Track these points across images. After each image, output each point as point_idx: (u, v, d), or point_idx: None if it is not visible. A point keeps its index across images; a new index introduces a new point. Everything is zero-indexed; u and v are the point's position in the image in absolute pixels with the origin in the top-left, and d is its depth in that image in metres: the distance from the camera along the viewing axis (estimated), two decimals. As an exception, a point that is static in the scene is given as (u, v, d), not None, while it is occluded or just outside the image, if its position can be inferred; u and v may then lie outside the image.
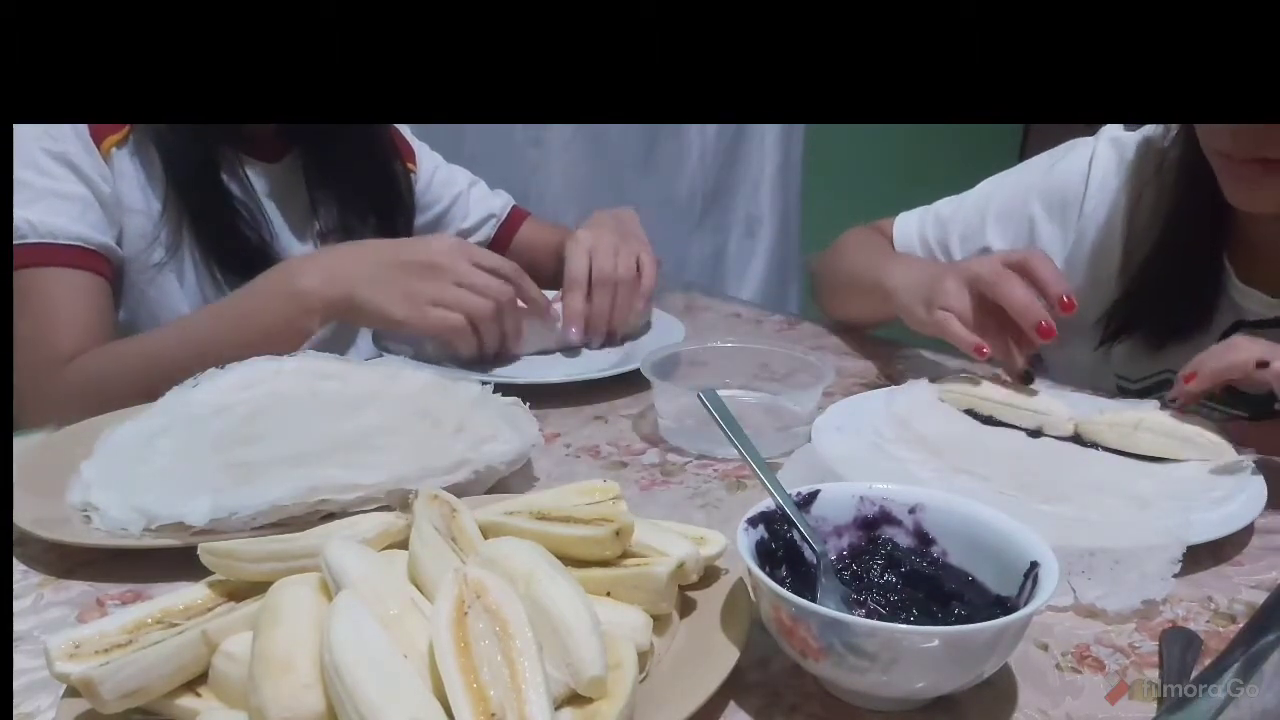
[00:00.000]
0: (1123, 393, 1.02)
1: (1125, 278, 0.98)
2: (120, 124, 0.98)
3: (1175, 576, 0.61)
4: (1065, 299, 0.81)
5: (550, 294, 1.03)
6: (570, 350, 1.01)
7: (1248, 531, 0.68)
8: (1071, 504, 0.70)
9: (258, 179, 1.08)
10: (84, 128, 0.96)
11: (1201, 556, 0.64)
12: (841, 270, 1.12)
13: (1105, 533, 0.64)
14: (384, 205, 1.14)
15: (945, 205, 1.13)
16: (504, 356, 0.97)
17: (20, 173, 0.91)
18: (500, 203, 1.33)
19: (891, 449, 0.78)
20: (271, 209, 1.09)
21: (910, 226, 1.14)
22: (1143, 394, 0.99)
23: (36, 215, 0.91)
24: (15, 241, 0.90)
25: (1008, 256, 0.85)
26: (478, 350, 0.94)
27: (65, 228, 0.92)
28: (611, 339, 1.04)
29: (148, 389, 0.81)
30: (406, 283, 0.89)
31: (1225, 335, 0.94)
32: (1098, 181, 1.01)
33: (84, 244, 0.93)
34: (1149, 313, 0.97)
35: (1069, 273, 1.03)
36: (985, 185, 1.11)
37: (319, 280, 0.88)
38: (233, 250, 1.02)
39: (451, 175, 1.30)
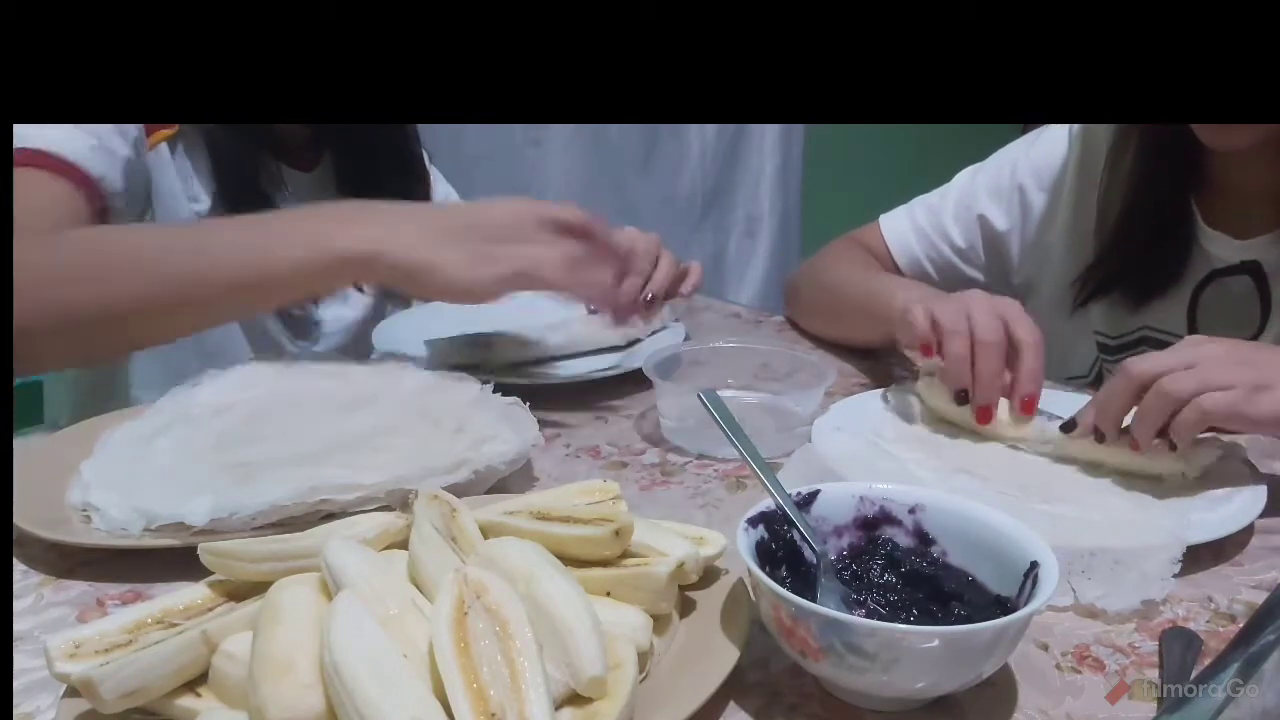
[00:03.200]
0: (1102, 349, 1.03)
1: (1101, 235, 0.99)
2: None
3: (1175, 576, 0.61)
4: (1024, 401, 0.78)
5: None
6: (574, 349, 1.01)
7: (1248, 531, 0.68)
8: (1071, 504, 0.70)
9: (292, 186, 1.09)
10: None
11: (1201, 556, 0.64)
12: (835, 287, 1.09)
13: (1105, 533, 0.64)
14: None
15: (930, 195, 1.13)
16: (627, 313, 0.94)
17: None
18: None
19: (891, 449, 0.78)
20: None
21: (900, 222, 1.13)
22: (1122, 349, 1.01)
23: (52, 132, 0.89)
24: (20, 145, 0.87)
25: (1008, 317, 0.79)
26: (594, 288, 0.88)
27: (72, 149, 0.90)
28: (650, 309, 1.01)
29: (144, 272, 0.79)
30: (479, 248, 0.79)
31: (1200, 287, 0.95)
32: (1079, 141, 1.02)
33: (87, 168, 0.90)
34: (1126, 267, 0.97)
35: (1051, 239, 1.05)
36: (964, 173, 1.12)
37: (382, 232, 0.79)
38: None
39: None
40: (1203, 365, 0.69)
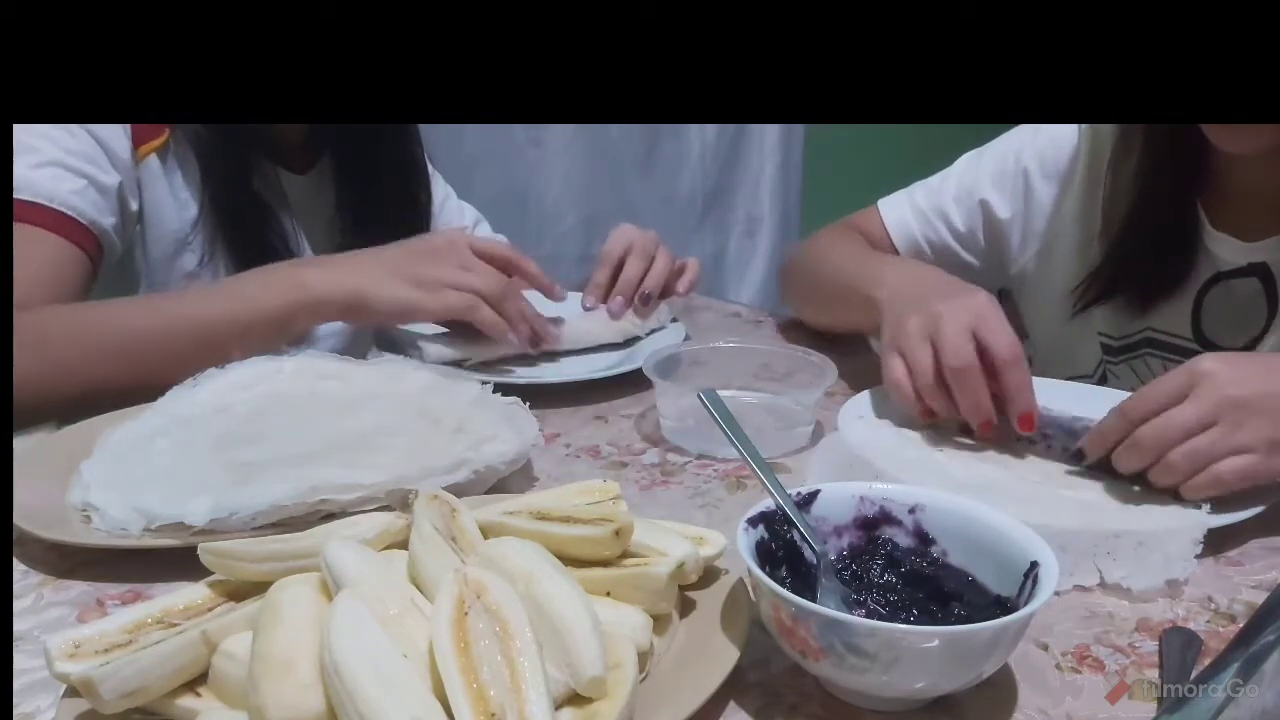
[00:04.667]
0: (1106, 351, 1.02)
1: (1106, 238, 0.98)
2: (159, 129, 0.99)
3: (1197, 558, 0.63)
4: (1022, 417, 0.75)
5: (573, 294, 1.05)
6: (569, 346, 1.01)
7: (1248, 531, 0.68)
8: (1093, 490, 0.71)
9: (286, 189, 1.09)
10: (127, 128, 0.97)
11: (1202, 556, 0.64)
12: (823, 274, 1.08)
13: (1128, 516, 0.66)
14: (405, 224, 1.15)
15: (931, 179, 1.12)
16: (545, 343, 0.97)
17: (32, 139, 0.91)
18: None
19: (916, 436, 0.79)
20: (296, 219, 1.10)
21: (900, 205, 1.11)
22: (1126, 350, 1.00)
23: (38, 176, 0.90)
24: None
25: (980, 330, 0.76)
26: (501, 325, 0.93)
27: (62, 195, 0.91)
28: (645, 306, 1.04)
29: (114, 354, 0.82)
30: (413, 270, 0.90)
31: (1204, 289, 0.94)
32: (1087, 142, 1.01)
33: (76, 215, 0.92)
34: (1130, 271, 0.96)
35: (1055, 236, 1.04)
36: (967, 156, 1.10)
37: (328, 279, 0.88)
38: (262, 259, 1.02)
39: (461, 209, 1.32)
40: (1223, 424, 0.66)
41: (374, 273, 0.89)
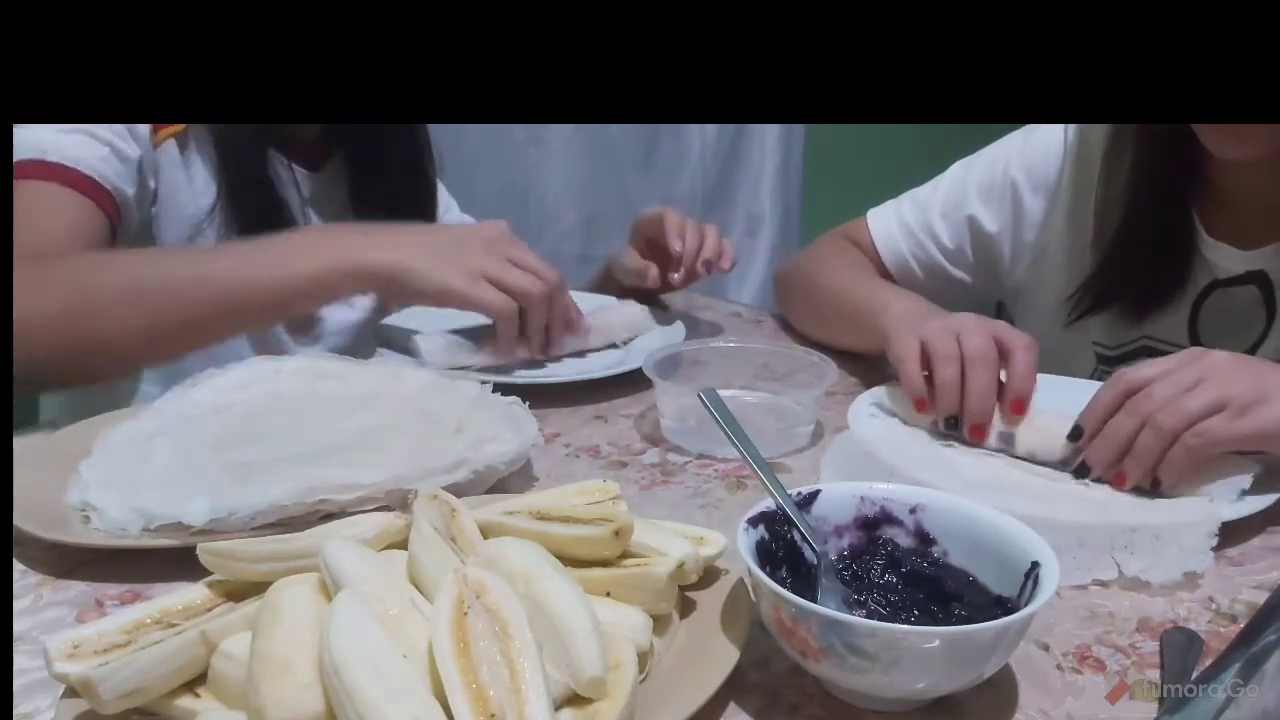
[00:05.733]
0: (1101, 360, 1.02)
1: (1099, 248, 0.97)
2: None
3: (1213, 550, 0.64)
4: (1015, 401, 0.76)
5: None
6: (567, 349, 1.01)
7: (1250, 531, 0.68)
8: (1106, 488, 0.72)
9: (301, 184, 1.10)
10: None
11: (1207, 553, 0.64)
12: (822, 290, 1.08)
13: (1142, 510, 0.67)
14: (414, 220, 1.15)
15: (919, 190, 1.11)
16: (545, 351, 0.96)
17: None
18: None
19: (927, 433, 0.79)
20: (311, 213, 1.11)
21: (887, 220, 1.10)
22: (1122, 360, 0.99)
23: (67, 141, 0.91)
24: (35, 155, 0.89)
25: (999, 333, 0.79)
26: (517, 338, 0.93)
27: (88, 160, 0.92)
28: (707, 273, 1.10)
29: (143, 303, 0.82)
30: (461, 255, 0.89)
31: (1201, 297, 0.94)
32: (1074, 150, 1.00)
33: (100, 179, 0.92)
34: (1126, 281, 0.96)
35: (1046, 247, 1.03)
36: (956, 167, 1.09)
37: (371, 248, 0.87)
38: None
39: (463, 220, 1.32)
40: (1207, 380, 0.68)
41: (419, 250, 0.87)
